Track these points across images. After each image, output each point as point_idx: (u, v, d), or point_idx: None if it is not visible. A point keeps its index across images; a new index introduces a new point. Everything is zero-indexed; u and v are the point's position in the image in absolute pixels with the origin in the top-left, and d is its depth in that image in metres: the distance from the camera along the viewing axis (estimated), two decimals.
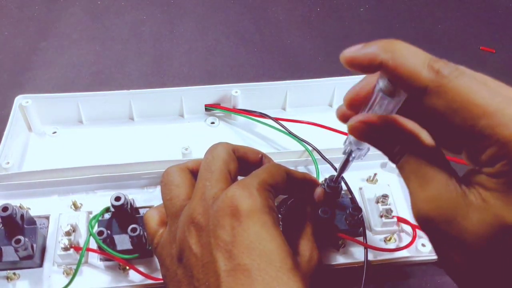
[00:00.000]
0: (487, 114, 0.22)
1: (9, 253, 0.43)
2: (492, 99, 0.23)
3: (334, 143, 0.54)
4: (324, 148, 0.53)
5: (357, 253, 0.46)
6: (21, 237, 0.42)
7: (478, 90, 0.23)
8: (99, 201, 0.49)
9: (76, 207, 0.49)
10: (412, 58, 0.25)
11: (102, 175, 0.50)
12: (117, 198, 0.44)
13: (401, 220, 0.48)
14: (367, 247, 0.45)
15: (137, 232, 0.43)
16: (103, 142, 0.58)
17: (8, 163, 0.51)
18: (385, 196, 0.48)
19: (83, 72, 0.69)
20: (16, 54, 0.72)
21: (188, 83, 0.61)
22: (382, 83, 0.27)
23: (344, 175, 0.50)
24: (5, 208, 0.43)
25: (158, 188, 0.51)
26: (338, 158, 0.52)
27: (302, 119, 0.56)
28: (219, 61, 0.72)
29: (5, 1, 0.82)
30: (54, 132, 0.59)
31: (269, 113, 0.58)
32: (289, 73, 0.62)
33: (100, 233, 0.43)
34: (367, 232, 0.47)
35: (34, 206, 0.49)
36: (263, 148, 0.57)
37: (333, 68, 0.71)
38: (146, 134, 0.59)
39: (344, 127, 0.58)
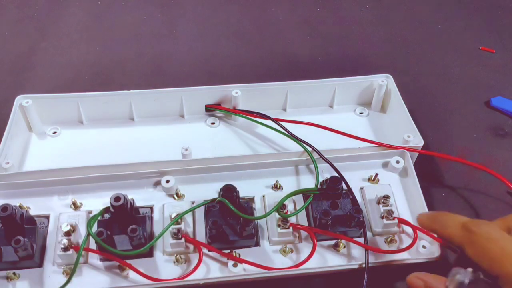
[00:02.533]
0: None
1: (9, 253, 0.43)
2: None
3: (334, 143, 0.54)
4: (324, 148, 0.52)
5: (358, 255, 0.46)
6: (21, 238, 0.42)
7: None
8: (99, 200, 0.49)
9: (76, 206, 0.49)
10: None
11: (102, 174, 0.50)
12: (117, 199, 0.44)
13: (402, 221, 0.47)
14: (368, 249, 0.45)
15: (137, 233, 0.43)
16: (104, 143, 0.58)
17: (8, 163, 0.51)
18: (386, 197, 0.48)
19: (83, 72, 0.69)
20: (16, 54, 0.72)
21: (188, 83, 0.61)
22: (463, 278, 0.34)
23: (345, 174, 0.50)
24: (4, 208, 0.43)
25: (158, 188, 0.51)
26: (337, 158, 0.52)
27: (303, 120, 0.56)
28: (219, 61, 0.72)
29: (5, 1, 0.82)
30: (54, 132, 0.59)
31: (269, 114, 0.58)
32: (289, 73, 0.62)
33: (99, 233, 0.43)
34: (368, 233, 0.47)
35: (34, 206, 0.49)
36: (264, 148, 0.57)
37: (333, 68, 0.71)
38: (146, 134, 0.59)
39: (343, 128, 0.58)
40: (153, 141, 0.59)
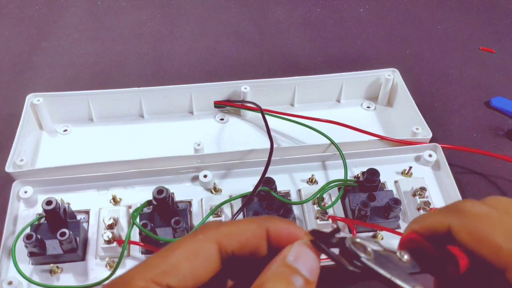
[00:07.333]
0: None
1: (53, 247, 0.43)
2: None
3: (344, 138, 0.54)
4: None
5: (396, 246, 0.46)
6: (66, 230, 0.42)
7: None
8: (139, 195, 0.49)
9: (115, 201, 0.49)
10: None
11: (141, 170, 0.51)
12: (160, 192, 0.45)
13: None
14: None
15: (180, 224, 0.43)
16: (114, 140, 0.58)
17: (22, 160, 0.51)
18: (422, 189, 0.49)
19: (83, 72, 0.69)
20: (17, 54, 0.72)
21: (188, 83, 0.61)
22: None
23: (379, 168, 0.49)
24: (49, 202, 0.43)
25: (196, 183, 0.51)
26: (369, 153, 0.53)
27: (311, 115, 0.57)
28: (219, 62, 0.72)
29: (6, 1, 0.82)
30: (65, 130, 0.59)
31: (277, 109, 0.58)
32: (289, 74, 0.62)
33: (144, 225, 0.43)
34: (405, 224, 0.48)
35: (73, 201, 0.49)
36: (275, 144, 0.56)
37: (332, 68, 0.71)
38: (156, 131, 0.60)
39: (350, 122, 0.57)
40: (163, 137, 0.59)
